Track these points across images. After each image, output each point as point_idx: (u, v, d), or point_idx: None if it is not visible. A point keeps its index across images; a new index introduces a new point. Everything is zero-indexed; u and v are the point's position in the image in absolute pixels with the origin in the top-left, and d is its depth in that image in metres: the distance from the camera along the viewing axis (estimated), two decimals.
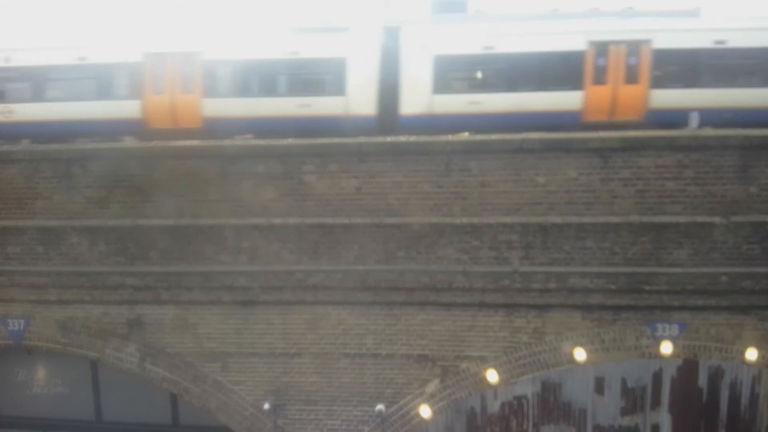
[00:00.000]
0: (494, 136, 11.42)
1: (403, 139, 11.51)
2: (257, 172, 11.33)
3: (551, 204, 10.84)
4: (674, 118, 13.54)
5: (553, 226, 10.86)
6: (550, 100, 14.27)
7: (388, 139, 11.40)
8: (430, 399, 11.62)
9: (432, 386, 11.62)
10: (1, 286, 12.24)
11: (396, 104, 14.56)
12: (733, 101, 13.85)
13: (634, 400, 12.03)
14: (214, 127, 14.67)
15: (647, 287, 10.86)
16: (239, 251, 11.53)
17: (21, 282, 12.16)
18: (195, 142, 11.94)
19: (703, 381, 11.82)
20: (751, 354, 10.84)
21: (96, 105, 15.08)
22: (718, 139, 10.49)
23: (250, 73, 14.92)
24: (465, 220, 11.02)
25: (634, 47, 14.13)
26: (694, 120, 13.00)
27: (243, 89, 14.91)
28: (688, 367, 11.77)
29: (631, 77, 14.17)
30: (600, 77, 14.24)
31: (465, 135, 13.00)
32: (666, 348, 10.97)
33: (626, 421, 12.13)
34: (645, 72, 14.11)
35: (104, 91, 15.21)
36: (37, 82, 15.28)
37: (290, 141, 11.55)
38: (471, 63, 14.65)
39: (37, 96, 15.28)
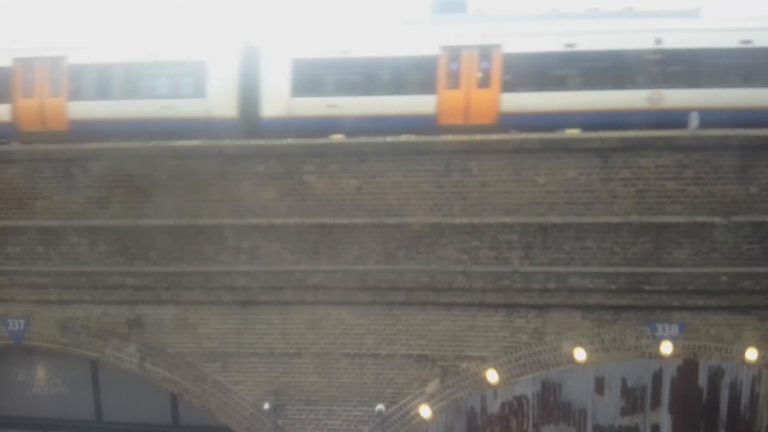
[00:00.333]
0: (494, 136, 11.44)
1: (403, 139, 11.53)
2: (257, 172, 11.34)
3: (551, 204, 10.84)
4: (526, 122, 13.77)
5: (553, 226, 10.86)
6: (406, 104, 14.40)
7: (389, 139, 11.40)
8: (430, 399, 11.62)
9: (432, 386, 11.62)
10: (1, 286, 12.24)
11: (258, 107, 14.71)
12: (584, 104, 14.03)
13: (634, 400, 12.03)
14: (80, 130, 14.78)
15: (647, 287, 10.86)
16: (239, 251, 11.53)
17: (21, 282, 12.16)
18: (195, 142, 11.94)
19: (703, 381, 11.82)
20: (751, 354, 10.84)
21: None
22: (718, 139, 10.49)
23: (113, 76, 15.04)
24: (465, 220, 11.02)
25: (485, 52, 14.27)
26: (694, 120, 12.98)
27: (106, 92, 15.03)
28: (688, 367, 11.77)
29: (483, 81, 14.33)
30: (453, 82, 14.39)
31: (340, 137, 13.35)
32: (666, 348, 10.98)
33: (626, 421, 12.13)
34: (496, 76, 14.25)
35: None
36: None
37: (290, 141, 11.55)
38: (328, 67, 14.72)
39: None
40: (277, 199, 11.35)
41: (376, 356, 11.66)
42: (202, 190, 11.49)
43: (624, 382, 11.96)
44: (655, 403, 12.01)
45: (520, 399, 12.15)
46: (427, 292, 11.30)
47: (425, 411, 11.61)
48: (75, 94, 15.07)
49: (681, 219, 10.63)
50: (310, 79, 14.64)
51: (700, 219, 10.60)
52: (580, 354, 11.15)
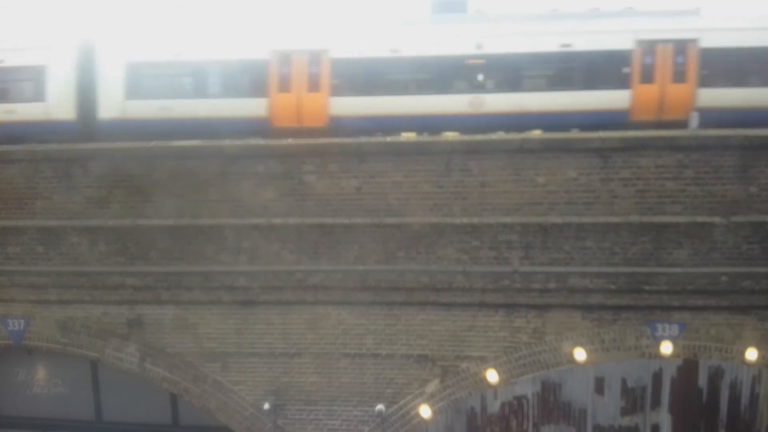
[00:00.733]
0: (494, 136, 11.48)
1: (403, 139, 11.53)
2: (257, 172, 11.34)
3: (551, 204, 10.84)
4: (355, 125, 14.03)
5: (553, 226, 10.86)
6: (240, 107, 14.56)
7: (388, 139, 11.41)
8: (430, 399, 11.62)
9: (432, 386, 11.62)
10: (1, 286, 12.24)
11: (95, 109, 14.78)
12: (412, 108, 14.37)
13: (634, 400, 12.03)
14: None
15: (647, 287, 10.86)
16: (239, 251, 11.53)
17: (21, 282, 12.16)
18: (195, 142, 11.94)
19: (703, 381, 11.82)
20: (751, 354, 10.84)
21: None
22: (718, 139, 10.49)
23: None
24: (465, 220, 11.02)
25: (315, 56, 14.52)
26: (693, 120, 13.00)
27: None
28: (688, 367, 11.77)
29: (313, 86, 14.58)
30: (284, 86, 14.57)
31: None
32: (666, 348, 10.97)
33: (626, 421, 12.13)
34: (325, 81, 14.50)
35: None
36: None
37: (290, 141, 11.55)
38: (162, 69, 14.83)
39: None
40: (277, 199, 11.35)
41: (376, 356, 11.67)
42: (202, 190, 11.49)
43: (624, 382, 11.96)
44: (655, 403, 12.01)
45: (520, 399, 12.15)
46: (427, 292, 11.30)
47: (425, 411, 11.61)
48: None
49: (681, 219, 10.63)
50: (143, 82, 14.81)
51: (700, 219, 10.60)
52: (580, 354, 11.15)
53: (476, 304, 11.27)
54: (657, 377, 11.89)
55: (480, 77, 14.45)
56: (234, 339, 11.90)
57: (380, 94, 14.41)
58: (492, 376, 11.39)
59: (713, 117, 13.68)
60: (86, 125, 14.79)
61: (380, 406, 11.65)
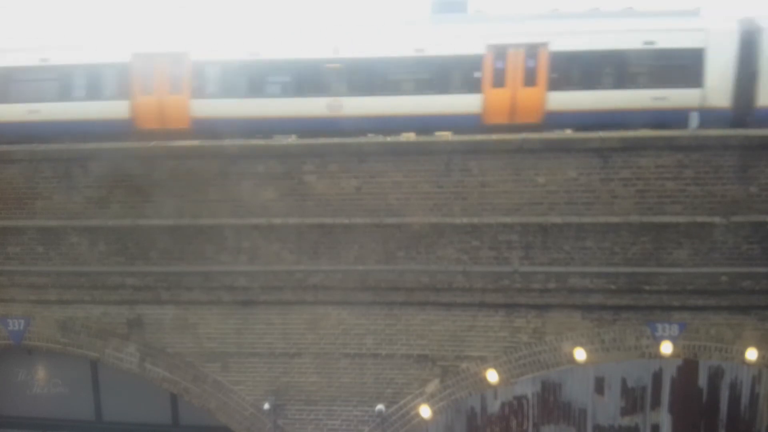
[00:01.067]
0: (494, 136, 11.44)
1: (403, 139, 11.52)
2: (257, 172, 11.34)
3: (551, 204, 10.84)
4: (217, 126, 14.30)
5: (553, 226, 10.86)
6: (106, 109, 14.80)
7: (389, 139, 11.40)
8: (430, 399, 11.62)
9: (432, 386, 11.62)
10: (1, 286, 12.24)
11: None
12: (273, 111, 14.61)
13: (634, 400, 12.03)
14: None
15: (647, 287, 10.86)
16: (239, 251, 11.53)
17: (21, 282, 12.16)
18: (195, 142, 11.94)
19: (703, 381, 11.82)
20: (751, 354, 10.84)
21: None
22: (718, 139, 10.49)
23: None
24: (465, 220, 11.02)
25: (176, 60, 14.80)
26: (693, 120, 13.00)
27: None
28: (688, 367, 11.77)
29: (175, 88, 14.85)
30: (147, 89, 14.82)
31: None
32: (666, 348, 10.97)
33: (626, 421, 12.13)
34: (187, 84, 14.78)
35: None
36: None
37: (290, 141, 11.56)
38: (29, 75, 15.03)
39: None
40: (277, 199, 11.35)
41: (376, 356, 11.67)
42: (202, 190, 11.48)
43: (624, 382, 11.96)
44: (655, 403, 12.01)
45: (520, 399, 12.15)
46: (427, 292, 11.30)
47: (425, 411, 11.61)
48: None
49: (681, 219, 10.63)
50: (13, 87, 15.03)
51: (700, 219, 10.60)
52: (580, 354, 11.15)
53: (476, 304, 11.27)
54: (657, 377, 11.89)
55: (337, 81, 14.70)
56: (234, 339, 11.90)
57: (245, 97, 14.73)
58: (492, 376, 11.39)
59: (564, 120, 14.03)
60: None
61: (380, 406, 11.65)
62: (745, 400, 11.81)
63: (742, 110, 14.00)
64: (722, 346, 10.97)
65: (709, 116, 13.68)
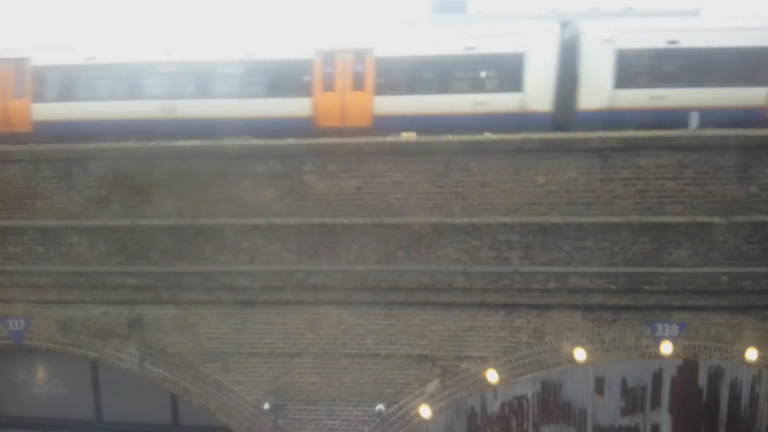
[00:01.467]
0: (494, 136, 11.44)
1: (403, 139, 11.52)
2: (257, 172, 11.34)
3: (551, 204, 10.84)
4: (59, 130, 14.79)
5: (553, 226, 10.86)
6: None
7: (388, 139, 11.40)
8: (430, 399, 11.62)
9: (432, 386, 11.62)
10: (1, 286, 12.24)
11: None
12: (107, 113, 15.19)
13: (634, 400, 12.03)
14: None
15: (647, 287, 10.86)
16: (239, 251, 11.53)
17: (21, 282, 12.16)
18: (195, 142, 11.95)
19: (703, 381, 11.82)
20: (751, 354, 10.84)
21: None
22: (718, 139, 10.49)
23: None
24: (465, 220, 11.02)
25: (18, 65, 15.23)
26: (693, 120, 12.99)
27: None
28: (688, 367, 11.77)
29: (18, 92, 15.41)
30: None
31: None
32: (666, 348, 10.97)
33: (626, 421, 12.13)
34: (28, 87, 15.29)
35: None
36: None
37: (290, 141, 11.55)
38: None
39: None
40: (277, 199, 11.35)
41: (376, 356, 11.67)
42: (202, 190, 11.49)
43: (624, 382, 11.96)
44: (655, 403, 12.01)
45: (520, 399, 12.16)
46: (427, 292, 11.30)
47: (425, 411, 11.62)
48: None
49: (681, 219, 10.63)
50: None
51: (700, 219, 10.60)
52: (580, 354, 11.15)
53: (476, 304, 11.27)
54: (657, 377, 11.89)
55: (169, 84, 15.10)
56: (234, 339, 11.90)
57: (77, 101, 15.32)
58: (492, 376, 11.39)
59: (392, 124, 14.30)
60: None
61: (380, 406, 11.65)
62: (745, 400, 11.81)
63: (564, 114, 14.37)
64: (722, 346, 10.97)
65: (530, 120, 14.04)
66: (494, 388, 11.84)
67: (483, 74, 14.61)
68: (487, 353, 11.40)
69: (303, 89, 14.78)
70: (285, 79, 14.88)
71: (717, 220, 10.56)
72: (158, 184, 11.58)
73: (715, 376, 11.77)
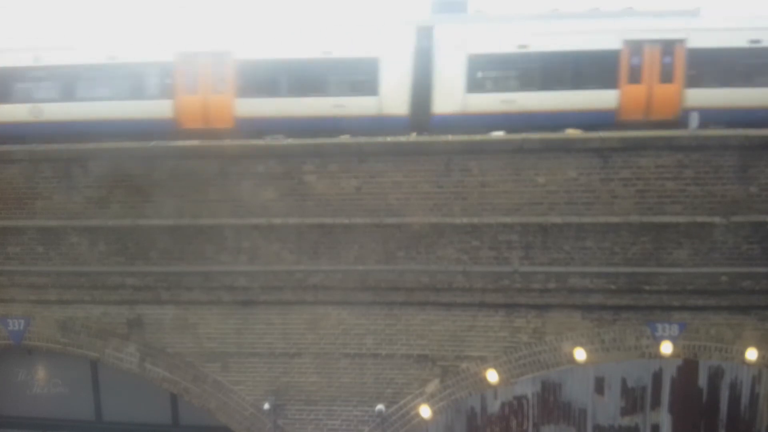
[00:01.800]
0: (494, 136, 11.45)
1: (403, 139, 11.53)
2: (257, 172, 11.33)
3: (551, 204, 10.84)
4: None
5: (553, 226, 10.86)
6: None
7: (389, 139, 11.40)
8: (430, 399, 11.62)
9: (432, 386, 11.62)
10: (1, 286, 12.24)
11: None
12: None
13: (634, 400, 12.03)
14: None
15: (647, 287, 10.86)
16: (239, 251, 11.53)
17: (21, 282, 12.16)
18: (195, 142, 11.94)
19: (703, 381, 11.82)
20: (751, 354, 10.84)
21: None
22: (718, 139, 10.49)
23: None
24: (465, 220, 11.02)
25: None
26: (693, 120, 13.00)
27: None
28: (688, 367, 11.77)
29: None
30: None
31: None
32: (666, 348, 10.98)
33: (626, 421, 12.13)
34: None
35: None
36: None
37: (290, 141, 11.56)
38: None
39: None
40: (277, 199, 11.35)
41: (376, 356, 11.67)
42: (202, 190, 11.48)
43: (624, 382, 11.96)
44: (655, 403, 12.01)
45: (520, 399, 12.16)
46: (427, 292, 11.30)
47: (425, 411, 11.62)
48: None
49: (681, 219, 10.63)
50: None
51: (700, 219, 10.60)
52: (580, 354, 11.15)
53: (476, 304, 11.27)
54: (657, 377, 11.89)
55: (38, 88, 15.32)
56: (234, 339, 11.90)
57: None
58: (492, 376, 11.39)
59: (254, 126, 14.53)
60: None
61: (380, 406, 11.65)
62: (745, 400, 11.81)
63: (420, 117, 14.57)
64: (722, 346, 10.97)
65: (387, 123, 14.24)
66: (494, 388, 11.84)
67: (340, 78, 14.94)
68: (487, 353, 11.41)
69: (167, 91, 15.07)
70: (150, 82, 15.20)
71: (717, 220, 10.56)
72: (158, 184, 11.58)
73: (715, 376, 11.77)
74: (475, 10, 17.14)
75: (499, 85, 14.68)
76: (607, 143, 10.64)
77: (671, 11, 15.22)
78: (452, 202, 11.03)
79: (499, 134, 12.69)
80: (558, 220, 10.84)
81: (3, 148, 12.28)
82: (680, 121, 13.91)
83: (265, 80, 14.88)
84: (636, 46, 14.31)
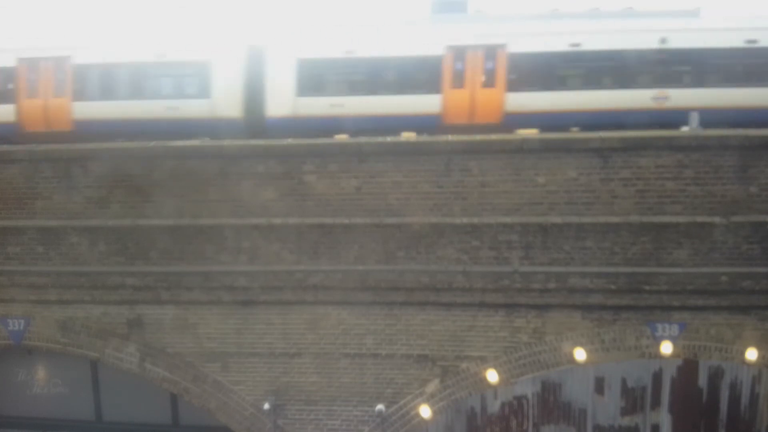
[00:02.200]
0: (494, 136, 11.44)
1: (403, 139, 11.53)
2: (257, 172, 11.34)
3: (551, 204, 10.84)
4: None
5: (553, 226, 10.86)
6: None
7: (389, 139, 11.40)
8: (430, 399, 11.62)
9: (432, 386, 11.62)
10: (1, 286, 12.24)
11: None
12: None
13: (634, 400, 12.03)
14: None
15: (647, 287, 10.86)
16: (239, 251, 11.53)
17: (21, 282, 12.16)
18: (195, 142, 11.95)
19: (703, 381, 11.82)
20: (751, 354, 10.84)
21: None
22: (718, 139, 10.49)
23: None
24: (465, 220, 11.02)
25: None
26: (694, 120, 13.00)
27: None
28: (688, 367, 11.77)
29: None
30: None
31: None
32: (666, 348, 10.98)
33: (626, 421, 12.13)
34: None
35: None
36: None
37: (290, 141, 11.56)
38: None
39: None
40: (277, 199, 11.35)
41: (376, 356, 11.66)
42: (202, 190, 11.49)
43: (624, 382, 11.96)
44: (655, 403, 12.01)
45: (520, 399, 12.15)
46: (427, 292, 11.30)
47: (425, 411, 11.62)
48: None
49: (681, 219, 10.63)
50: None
51: (700, 219, 10.60)
52: (580, 354, 11.15)
53: (476, 304, 11.27)
54: (657, 377, 11.89)
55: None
56: (234, 339, 11.90)
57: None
58: (492, 376, 11.39)
59: (91, 129, 14.87)
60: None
61: (380, 406, 11.65)
62: (745, 400, 11.81)
63: (254, 120, 14.88)
64: (722, 346, 10.97)
65: (220, 126, 14.59)
66: (494, 388, 11.84)
67: (174, 81, 15.24)
68: (487, 353, 11.41)
69: (8, 96, 15.49)
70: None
71: (717, 220, 10.56)
72: (158, 184, 11.58)
73: (715, 376, 11.77)
74: (475, 9, 17.14)
75: (329, 90, 14.89)
76: (607, 143, 10.64)
77: (671, 11, 15.21)
78: (452, 202, 11.03)
79: (342, 137, 12.89)
80: (558, 220, 10.84)
81: (3, 148, 12.29)
82: (503, 126, 14.15)
83: (102, 83, 15.32)
84: (459, 52, 14.51)
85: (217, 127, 14.54)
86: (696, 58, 14.13)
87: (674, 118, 13.72)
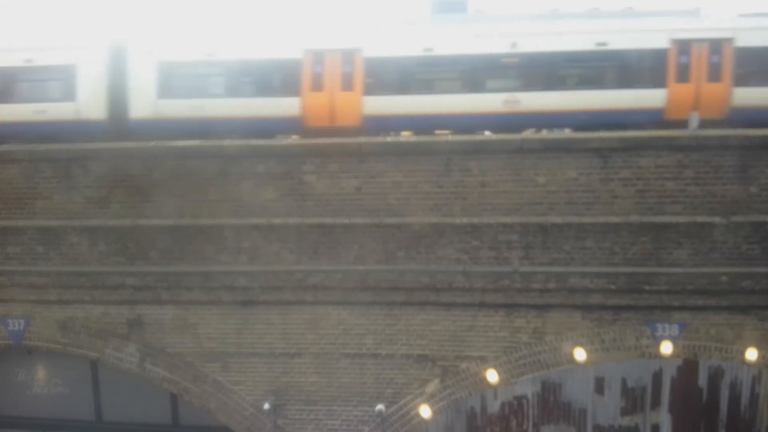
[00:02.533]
0: (494, 136, 11.45)
1: (403, 139, 11.53)
2: (257, 172, 11.34)
3: (551, 204, 10.84)
4: None
5: (553, 226, 10.86)
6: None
7: (389, 139, 11.41)
8: (430, 399, 11.62)
9: (432, 386, 11.62)
10: (1, 286, 12.24)
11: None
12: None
13: (634, 400, 12.03)
14: None
15: (647, 287, 10.86)
16: (239, 251, 11.53)
17: (21, 282, 12.16)
18: (195, 142, 11.95)
19: (703, 381, 11.82)
20: (751, 354, 10.84)
21: None
22: (718, 139, 10.49)
23: None
24: (465, 220, 11.02)
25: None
26: (694, 120, 13.00)
27: None
28: (688, 367, 11.77)
29: None
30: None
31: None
32: (666, 348, 10.98)
33: (626, 421, 12.13)
34: None
35: None
36: None
37: (290, 141, 11.56)
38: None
39: None
40: (277, 199, 11.35)
41: (376, 356, 11.67)
42: (202, 190, 11.49)
43: (624, 382, 11.96)
44: (655, 403, 12.01)
45: (520, 399, 12.16)
46: (427, 292, 11.30)
47: (425, 411, 11.62)
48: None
49: (681, 219, 10.63)
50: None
51: (700, 219, 10.60)
52: (580, 354, 11.15)
53: (476, 304, 11.27)
54: (657, 377, 11.89)
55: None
56: (234, 339, 11.90)
57: None
58: (492, 376, 11.39)
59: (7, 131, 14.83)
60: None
61: (380, 406, 11.65)
62: (745, 400, 11.81)
63: (119, 122, 14.93)
64: (722, 346, 10.97)
65: (85, 128, 14.63)
66: (494, 388, 11.84)
67: (42, 85, 15.21)
68: (487, 353, 11.41)
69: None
70: None
71: (717, 220, 10.56)
72: (158, 184, 11.58)
73: (715, 376, 11.77)
74: (475, 9, 17.14)
75: (189, 92, 14.80)
76: (607, 143, 10.65)
77: (671, 11, 15.21)
78: (452, 202, 11.03)
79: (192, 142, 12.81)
80: (558, 220, 10.84)
81: (3, 148, 12.30)
82: (363, 128, 14.23)
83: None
84: (318, 56, 14.52)
85: (81, 129, 14.56)
86: (546, 61, 14.03)
87: (525, 121, 13.95)
